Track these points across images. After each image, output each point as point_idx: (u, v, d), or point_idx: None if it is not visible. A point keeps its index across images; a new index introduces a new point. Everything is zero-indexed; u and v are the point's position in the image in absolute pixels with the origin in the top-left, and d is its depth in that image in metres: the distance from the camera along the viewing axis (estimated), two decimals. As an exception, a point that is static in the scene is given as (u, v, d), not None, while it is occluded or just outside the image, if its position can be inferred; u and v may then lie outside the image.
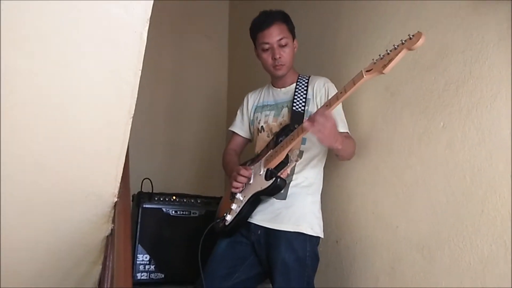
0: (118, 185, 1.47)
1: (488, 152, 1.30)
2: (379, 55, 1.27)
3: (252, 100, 1.87)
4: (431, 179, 1.47)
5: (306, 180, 1.64)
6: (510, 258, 1.21)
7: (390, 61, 1.23)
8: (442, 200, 1.43)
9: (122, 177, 1.48)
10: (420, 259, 1.47)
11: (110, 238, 1.62)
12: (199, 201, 2.33)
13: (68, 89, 1.24)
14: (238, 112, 1.91)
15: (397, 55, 1.21)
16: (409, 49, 1.20)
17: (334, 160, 1.83)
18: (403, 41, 1.20)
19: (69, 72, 1.21)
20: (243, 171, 1.62)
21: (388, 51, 1.24)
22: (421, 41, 1.17)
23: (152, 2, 1.11)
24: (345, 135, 1.60)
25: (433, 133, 1.48)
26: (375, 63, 1.28)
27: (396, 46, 1.22)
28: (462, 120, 1.39)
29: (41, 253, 1.70)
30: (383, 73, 1.26)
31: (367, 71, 1.30)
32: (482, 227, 1.29)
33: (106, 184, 1.46)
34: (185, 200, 2.30)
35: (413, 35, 1.18)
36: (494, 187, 1.27)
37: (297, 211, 1.59)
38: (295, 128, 1.52)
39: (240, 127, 1.90)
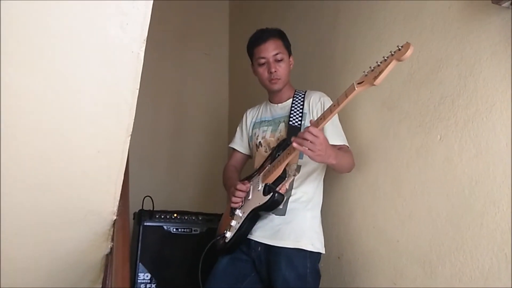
0: (117, 203, 1.48)
1: (485, 164, 1.30)
2: (370, 67, 1.29)
3: (250, 116, 1.89)
4: (430, 193, 1.47)
5: (305, 195, 1.64)
6: (511, 271, 1.19)
7: (380, 72, 1.24)
8: (442, 214, 1.42)
9: (121, 195, 1.49)
10: (422, 274, 1.46)
11: (109, 257, 1.61)
12: (200, 218, 2.33)
13: (66, 108, 1.26)
14: (238, 129, 1.93)
15: (387, 66, 1.22)
16: (399, 60, 1.21)
17: (334, 174, 1.83)
18: (393, 53, 1.22)
19: (67, 91, 1.23)
20: (240, 186, 1.63)
21: (379, 63, 1.26)
22: (409, 52, 1.18)
23: (148, 22, 1.13)
24: (341, 148, 1.60)
25: (431, 146, 1.48)
26: (366, 75, 1.29)
27: (386, 58, 1.24)
28: (458, 133, 1.39)
29: (41, 272, 1.70)
30: (374, 85, 1.27)
31: (358, 83, 1.31)
32: (482, 240, 1.28)
33: (105, 202, 1.47)
34: (186, 218, 2.30)
35: (401, 46, 1.20)
36: (492, 200, 1.26)
37: (297, 227, 1.58)
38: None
39: (240, 144, 1.91)
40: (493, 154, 1.28)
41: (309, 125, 1.43)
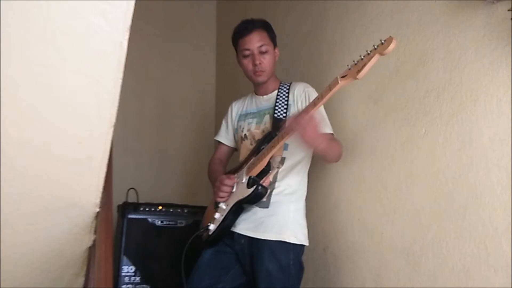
0: (100, 195, 1.45)
1: (468, 158, 1.31)
2: (353, 61, 1.29)
3: (236, 109, 1.88)
4: (415, 186, 1.48)
5: (289, 188, 1.64)
6: (491, 263, 1.21)
7: (363, 66, 1.24)
8: (425, 206, 1.43)
9: (104, 187, 1.46)
10: (405, 265, 1.47)
11: (92, 249, 1.59)
12: (185, 211, 2.32)
13: (48, 98, 1.23)
14: (223, 122, 1.92)
15: (370, 60, 1.23)
16: (381, 54, 1.22)
17: (320, 168, 1.83)
18: (376, 47, 1.22)
19: (49, 80, 1.20)
20: (227, 181, 1.62)
21: (362, 57, 1.26)
22: (392, 46, 1.19)
23: (132, 10, 1.10)
24: (330, 137, 1.60)
25: (416, 139, 1.49)
26: (350, 69, 1.30)
27: (369, 52, 1.24)
28: (443, 126, 1.40)
29: (23, 265, 1.67)
30: (357, 79, 1.27)
31: (342, 77, 1.32)
32: (464, 232, 1.30)
33: (88, 194, 1.44)
34: (171, 210, 2.29)
35: (384, 40, 1.21)
36: (475, 193, 1.28)
37: (280, 219, 1.58)
38: (276, 135, 1.52)
39: (225, 136, 1.90)
40: (476, 148, 1.30)
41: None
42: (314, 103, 1.39)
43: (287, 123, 1.43)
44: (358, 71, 1.25)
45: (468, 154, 1.32)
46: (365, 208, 1.67)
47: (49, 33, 1.12)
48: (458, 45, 1.38)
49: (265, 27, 1.72)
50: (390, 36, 1.20)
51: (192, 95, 3.22)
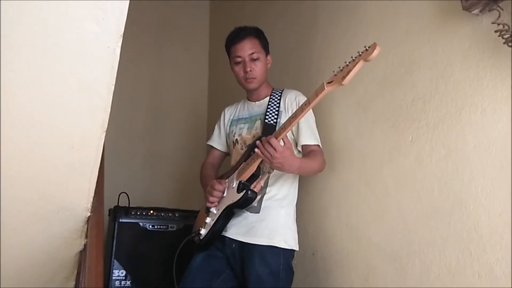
0: (91, 199, 1.46)
1: (454, 165, 1.34)
2: (339, 67, 1.32)
3: (228, 114, 1.90)
4: (402, 192, 1.51)
5: (280, 193, 1.66)
6: (476, 269, 1.24)
7: (348, 72, 1.27)
8: (412, 212, 1.46)
9: (95, 191, 1.47)
10: (392, 271, 1.50)
11: (83, 254, 1.60)
12: (177, 215, 2.32)
13: (40, 102, 1.24)
14: (216, 127, 1.94)
15: (355, 66, 1.26)
16: (366, 60, 1.25)
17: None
18: (360, 53, 1.25)
19: (41, 85, 1.21)
20: (217, 186, 1.64)
21: (347, 63, 1.29)
22: (375, 52, 1.22)
23: (124, 18, 1.12)
24: (311, 150, 1.64)
25: (403, 147, 1.52)
26: (336, 75, 1.32)
27: (354, 58, 1.27)
28: (429, 134, 1.43)
29: (12, 269, 1.67)
30: (343, 84, 1.30)
31: (328, 82, 1.34)
32: (450, 239, 1.33)
33: (79, 199, 1.45)
34: (162, 214, 2.29)
35: (369, 47, 1.24)
36: (460, 199, 1.31)
37: (271, 224, 1.60)
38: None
39: (218, 141, 1.92)
40: (461, 156, 1.33)
41: (283, 123, 1.46)
42: (301, 109, 1.42)
43: (257, 144, 1.48)
44: (344, 77, 1.28)
45: (453, 161, 1.35)
46: (354, 214, 1.70)
47: (42, 38, 1.13)
48: (444, 55, 1.42)
49: (257, 34, 1.75)
50: (374, 43, 1.24)
51: (184, 99, 3.23)
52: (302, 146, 1.66)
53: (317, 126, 1.72)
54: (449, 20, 1.41)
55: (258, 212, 1.62)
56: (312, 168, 1.64)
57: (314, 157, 1.63)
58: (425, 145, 1.44)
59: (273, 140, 1.44)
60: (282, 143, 1.46)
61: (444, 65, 1.41)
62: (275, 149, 1.43)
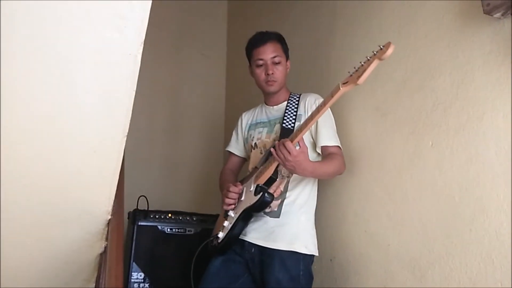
0: (112, 203, 1.49)
1: (475, 172, 1.32)
2: (354, 68, 1.32)
3: (246, 119, 1.92)
4: (421, 198, 1.49)
5: (300, 198, 1.66)
6: (498, 277, 1.22)
7: (363, 72, 1.27)
8: (432, 219, 1.44)
9: (116, 194, 1.50)
10: (411, 278, 1.48)
11: (103, 256, 1.62)
12: (194, 219, 2.34)
13: (62, 108, 1.27)
14: (234, 133, 1.96)
15: (369, 65, 1.26)
16: (380, 59, 1.25)
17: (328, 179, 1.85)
18: (375, 52, 1.26)
19: (64, 91, 1.24)
20: (233, 188, 1.65)
21: (362, 63, 1.29)
22: (390, 51, 1.22)
23: (145, 26, 1.14)
24: (332, 151, 1.63)
25: (423, 152, 1.50)
26: (351, 75, 1.33)
27: (368, 58, 1.27)
28: (450, 140, 1.41)
29: (34, 271, 1.71)
30: (358, 84, 1.31)
31: (343, 83, 1.35)
32: (471, 246, 1.30)
33: (100, 202, 1.48)
34: (180, 218, 2.31)
35: (383, 46, 1.24)
36: (481, 206, 1.29)
37: (291, 229, 1.60)
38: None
39: (236, 147, 1.93)
40: (483, 162, 1.30)
41: (300, 125, 1.48)
42: (317, 110, 1.43)
43: (275, 144, 1.50)
44: (359, 77, 1.29)
45: (474, 168, 1.32)
46: (372, 220, 1.68)
47: (65, 46, 1.16)
48: (465, 60, 1.40)
49: (279, 39, 1.77)
50: (388, 42, 1.24)
51: (202, 105, 3.25)
52: (321, 147, 1.66)
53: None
54: (469, 24, 1.39)
55: (278, 217, 1.62)
56: (328, 172, 1.63)
57: (331, 160, 1.63)
58: (445, 151, 1.42)
59: (288, 143, 1.44)
60: (297, 146, 1.46)
61: (465, 70, 1.40)
62: (289, 152, 1.44)
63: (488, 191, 1.28)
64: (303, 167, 1.50)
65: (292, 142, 1.46)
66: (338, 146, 1.66)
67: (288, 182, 1.67)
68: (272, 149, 1.49)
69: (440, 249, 1.39)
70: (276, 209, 1.62)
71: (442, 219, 1.41)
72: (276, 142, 1.50)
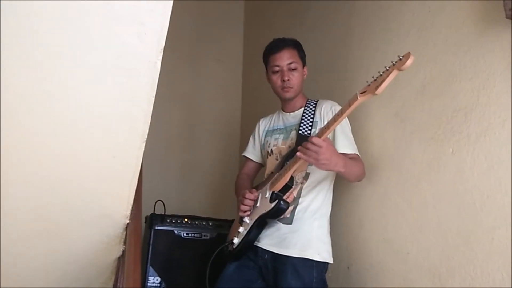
0: (130, 207, 1.51)
1: (497, 179, 1.29)
2: (373, 77, 1.31)
3: (263, 125, 1.92)
4: (441, 206, 1.46)
5: (313, 204, 1.65)
6: (522, 288, 1.18)
7: (382, 82, 1.27)
8: (452, 227, 1.41)
9: (134, 199, 1.51)
10: (431, 286, 1.45)
11: (121, 259, 1.64)
12: (210, 224, 2.34)
13: (83, 114, 1.29)
14: (251, 138, 1.96)
15: (388, 76, 1.25)
16: (399, 69, 1.24)
17: (345, 184, 1.83)
18: (394, 62, 1.25)
19: (84, 96, 1.27)
20: (248, 194, 1.65)
21: (381, 73, 1.28)
22: (409, 61, 1.21)
23: (165, 33, 1.16)
24: (351, 157, 1.61)
25: (442, 159, 1.48)
26: (369, 84, 1.32)
27: (387, 68, 1.26)
28: (471, 146, 1.39)
29: (53, 273, 1.73)
30: (376, 94, 1.30)
31: (361, 93, 1.34)
32: (493, 255, 1.27)
33: (119, 206, 1.50)
34: (196, 223, 2.31)
35: (402, 56, 1.23)
36: (504, 214, 1.26)
37: (303, 236, 1.59)
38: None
39: (252, 152, 1.94)
40: (505, 169, 1.27)
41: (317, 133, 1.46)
42: (334, 119, 1.42)
43: (298, 148, 1.48)
44: (377, 87, 1.28)
45: (496, 175, 1.30)
46: (390, 227, 1.66)
47: (84, 52, 1.18)
48: (486, 65, 1.37)
49: (296, 45, 1.77)
50: (408, 52, 1.23)
51: (218, 110, 3.27)
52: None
53: (353, 136, 1.70)
54: (490, 28, 1.37)
55: (291, 223, 1.61)
56: (356, 172, 1.61)
57: (356, 161, 1.62)
58: (466, 158, 1.39)
59: (315, 138, 1.42)
60: None
61: (486, 76, 1.37)
62: (319, 146, 1.41)
63: (510, 199, 1.25)
64: (336, 159, 1.47)
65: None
66: (357, 154, 1.65)
67: (301, 188, 1.66)
68: (298, 153, 1.46)
69: (461, 258, 1.37)
70: (288, 216, 1.62)
71: (463, 227, 1.38)
72: (306, 142, 1.45)
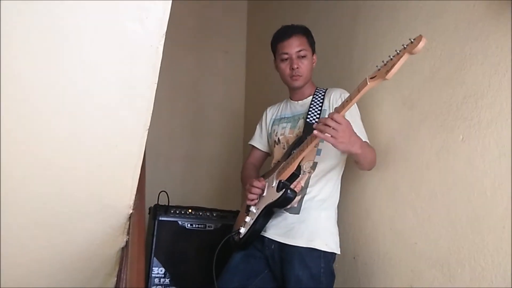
0: (134, 197, 1.49)
1: (508, 167, 1.26)
2: (383, 61, 1.27)
3: (270, 114, 1.89)
4: (450, 194, 1.43)
5: (321, 194, 1.62)
6: (534, 278, 1.16)
7: (392, 66, 1.23)
8: (462, 216, 1.38)
9: (137, 189, 1.49)
10: (440, 277, 1.43)
11: (125, 250, 1.63)
12: (214, 215, 2.33)
13: (83, 101, 1.26)
14: (257, 127, 1.93)
15: (399, 59, 1.22)
16: (411, 53, 1.20)
17: (352, 174, 1.81)
18: (405, 46, 1.21)
19: (85, 84, 1.24)
20: (256, 183, 1.62)
21: (391, 57, 1.25)
22: (421, 44, 1.17)
23: (167, 17, 1.13)
24: (365, 142, 1.57)
25: (452, 147, 1.44)
26: (379, 69, 1.28)
27: (398, 51, 1.23)
28: (481, 133, 1.35)
29: (57, 265, 1.72)
30: (386, 79, 1.26)
31: (371, 78, 1.30)
32: (504, 244, 1.24)
33: (122, 196, 1.48)
34: (200, 213, 2.31)
35: (414, 39, 1.19)
36: (516, 203, 1.23)
37: (310, 226, 1.57)
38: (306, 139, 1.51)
39: (259, 141, 1.91)
40: (517, 156, 1.24)
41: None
42: (343, 105, 1.38)
43: (314, 126, 1.40)
44: (387, 71, 1.24)
45: (508, 162, 1.26)
46: (398, 217, 1.63)
47: (85, 38, 1.15)
48: (498, 50, 1.33)
49: (305, 32, 1.73)
50: (420, 35, 1.19)
51: (222, 101, 3.26)
52: None
53: (361, 124, 1.67)
54: (501, 13, 1.33)
55: (298, 213, 1.59)
56: (370, 156, 1.55)
57: (370, 147, 1.58)
58: (477, 145, 1.36)
59: (336, 115, 1.33)
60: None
61: (498, 61, 1.33)
62: (339, 123, 1.32)
63: (523, 187, 1.21)
64: (355, 138, 1.39)
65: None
66: (367, 142, 1.61)
67: (309, 178, 1.63)
68: (315, 131, 1.35)
69: (471, 248, 1.34)
70: (296, 205, 1.59)
71: (473, 216, 1.35)
72: (315, 125, 1.36)
